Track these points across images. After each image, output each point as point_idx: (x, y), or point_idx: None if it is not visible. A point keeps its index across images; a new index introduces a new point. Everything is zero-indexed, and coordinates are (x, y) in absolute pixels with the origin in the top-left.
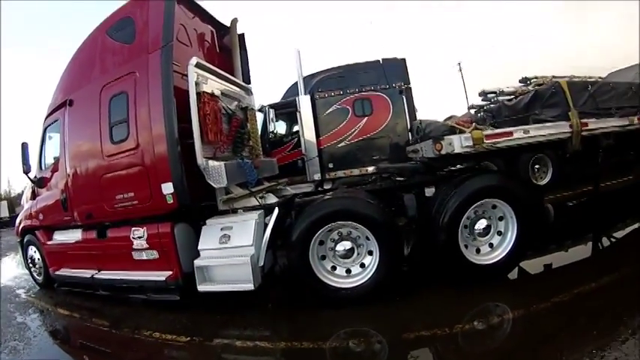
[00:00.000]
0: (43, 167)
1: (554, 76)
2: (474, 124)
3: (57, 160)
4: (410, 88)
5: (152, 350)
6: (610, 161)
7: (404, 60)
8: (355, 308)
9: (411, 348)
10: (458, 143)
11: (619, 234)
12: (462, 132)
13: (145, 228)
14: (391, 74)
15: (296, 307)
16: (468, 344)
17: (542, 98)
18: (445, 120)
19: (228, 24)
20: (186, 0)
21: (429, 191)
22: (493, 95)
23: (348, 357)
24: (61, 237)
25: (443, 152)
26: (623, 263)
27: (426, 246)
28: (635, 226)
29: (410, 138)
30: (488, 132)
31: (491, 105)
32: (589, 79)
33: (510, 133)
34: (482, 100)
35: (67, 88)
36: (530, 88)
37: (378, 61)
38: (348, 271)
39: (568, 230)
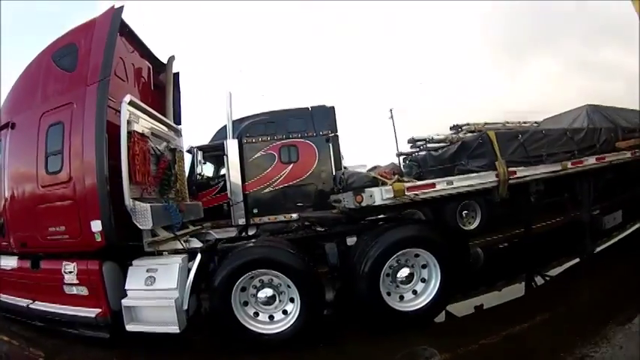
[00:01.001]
0: None
1: (486, 123)
2: (396, 175)
3: None
4: (337, 136)
5: None
6: (541, 204)
7: (333, 108)
8: (277, 354)
9: None
10: (378, 195)
11: (553, 272)
12: (384, 184)
13: (75, 263)
14: (319, 122)
15: (221, 351)
16: None
17: (468, 148)
18: (369, 170)
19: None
20: (129, 33)
21: (351, 240)
22: (422, 143)
23: None
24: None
25: (364, 204)
26: (557, 301)
27: (348, 293)
28: (570, 263)
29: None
30: (410, 184)
31: (419, 154)
32: (523, 125)
33: (433, 185)
34: (411, 148)
35: (11, 110)
36: (461, 135)
37: (308, 108)
38: (271, 317)
39: (500, 271)
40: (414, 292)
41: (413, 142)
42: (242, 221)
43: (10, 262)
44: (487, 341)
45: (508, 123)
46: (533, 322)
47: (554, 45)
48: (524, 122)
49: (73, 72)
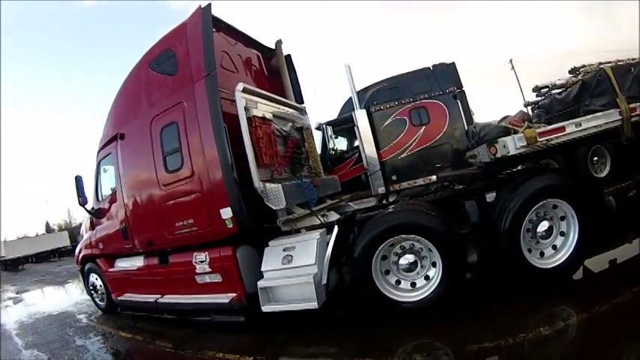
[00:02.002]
0: (100, 198)
1: (600, 63)
2: (526, 122)
3: (114, 191)
4: (463, 91)
5: None
6: None
7: (453, 64)
8: (420, 321)
9: None
10: (512, 145)
11: None
12: (515, 132)
13: (206, 253)
14: (443, 80)
15: (361, 323)
16: (531, 353)
17: (589, 88)
18: (499, 121)
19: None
20: (226, 28)
21: (490, 196)
22: (546, 90)
23: None
24: (123, 264)
25: (498, 155)
26: None
27: (490, 253)
28: None
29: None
30: (541, 130)
31: (545, 100)
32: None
33: (563, 129)
34: (536, 97)
35: (116, 123)
36: (579, 77)
37: (428, 67)
38: (413, 284)
39: (631, 221)
40: (554, 247)
41: (537, 90)
42: (381, 190)
43: (136, 263)
44: (621, 299)
45: (619, 61)
46: None
47: None
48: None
49: (176, 75)
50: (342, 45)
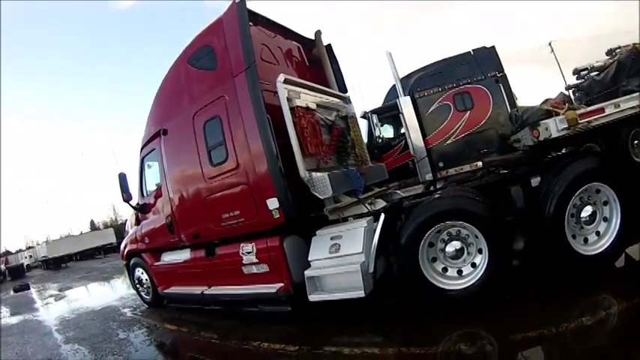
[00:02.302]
0: (144, 194)
1: (635, 44)
2: (567, 104)
3: (159, 186)
4: (505, 75)
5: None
6: None
7: (494, 47)
8: (465, 309)
9: (518, 350)
10: (554, 127)
11: None
12: (557, 115)
13: (253, 243)
14: (484, 64)
15: (407, 311)
16: (573, 344)
17: (625, 68)
18: (541, 104)
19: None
20: (263, 21)
21: (535, 181)
22: (585, 72)
23: None
24: (169, 257)
25: (541, 138)
26: None
27: (536, 240)
28: None
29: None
30: (581, 111)
31: (584, 83)
32: None
33: (602, 110)
34: (576, 79)
35: (158, 119)
36: (615, 58)
37: (469, 52)
38: (460, 271)
39: None
40: (597, 233)
41: (577, 72)
42: (429, 177)
43: (182, 256)
44: None
45: None
46: None
47: None
48: None
49: (216, 69)
50: (382, 32)
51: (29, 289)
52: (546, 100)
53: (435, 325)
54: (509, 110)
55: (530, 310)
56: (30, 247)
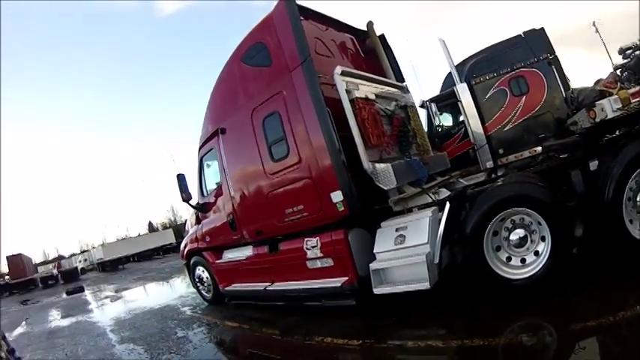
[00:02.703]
0: (204, 193)
1: None
2: (618, 84)
3: (219, 184)
4: (557, 57)
5: (322, 354)
6: None
7: (543, 29)
8: (527, 298)
9: (577, 340)
10: (609, 107)
11: None
12: (610, 94)
13: (317, 238)
14: (536, 46)
15: (469, 302)
16: (630, 333)
17: None
18: (593, 85)
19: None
20: (315, 15)
21: (594, 164)
22: (630, 51)
23: (517, 354)
24: (230, 255)
25: (597, 120)
26: None
27: (595, 225)
28: None
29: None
30: (632, 90)
31: (631, 62)
32: None
33: None
34: (622, 59)
35: (215, 119)
36: None
37: (520, 35)
38: (523, 260)
39: None
40: None
41: (622, 52)
42: (490, 164)
43: (245, 253)
44: None
45: None
46: None
47: None
48: None
49: (271, 66)
50: (433, 19)
51: (83, 291)
52: (598, 81)
53: (496, 316)
54: (563, 93)
55: (592, 298)
56: (84, 251)
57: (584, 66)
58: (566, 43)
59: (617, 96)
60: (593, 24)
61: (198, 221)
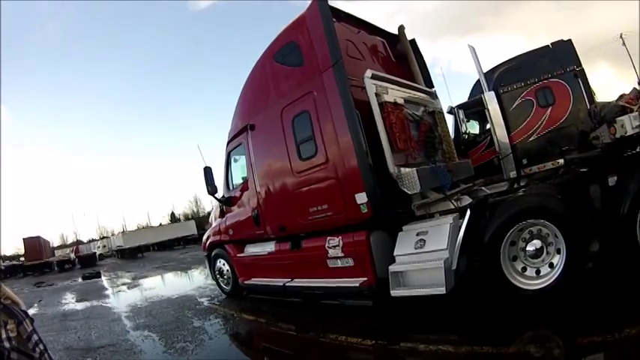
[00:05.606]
0: (230, 187)
1: None
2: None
3: (245, 179)
4: (583, 69)
5: (334, 353)
6: None
7: (570, 41)
8: (538, 310)
9: (584, 355)
10: (629, 124)
11: None
12: (631, 111)
13: (339, 237)
14: (563, 58)
15: (482, 310)
16: (634, 349)
17: None
18: (616, 100)
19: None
20: (347, 17)
21: (613, 180)
22: None
23: None
24: (252, 249)
25: (617, 136)
26: None
27: (610, 241)
28: None
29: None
30: None
31: None
32: None
33: None
34: None
35: (245, 114)
36: None
37: (548, 46)
38: (537, 271)
39: None
40: None
41: None
42: (513, 174)
43: (267, 248)
44: None
45: None
46: None
47: None
48: None
49: (302, 66)
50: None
51: (100, 277)
52: (622, 96)
53: (508, 325)
54: (588, 106)
55: (601, 313)
56: (104, 237)
57: (610, 80)
58: (592, 55)
59: (637, 113)
60: (620, 36)
61: (222, 214)
